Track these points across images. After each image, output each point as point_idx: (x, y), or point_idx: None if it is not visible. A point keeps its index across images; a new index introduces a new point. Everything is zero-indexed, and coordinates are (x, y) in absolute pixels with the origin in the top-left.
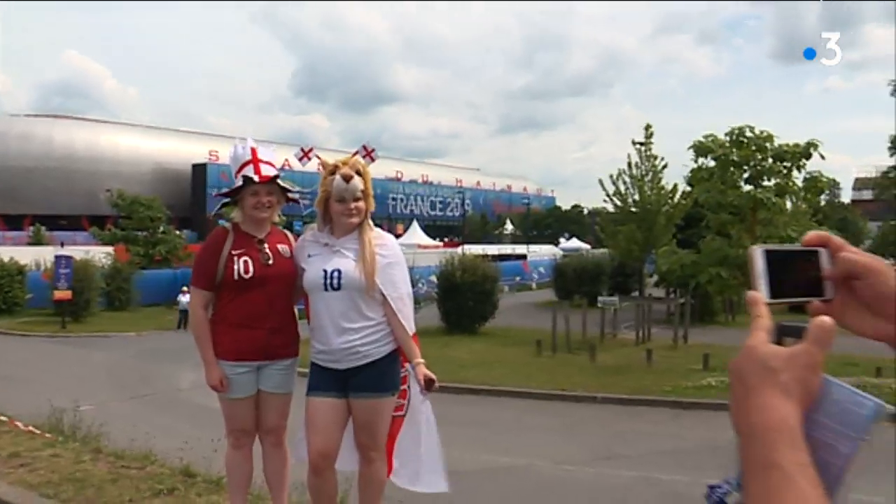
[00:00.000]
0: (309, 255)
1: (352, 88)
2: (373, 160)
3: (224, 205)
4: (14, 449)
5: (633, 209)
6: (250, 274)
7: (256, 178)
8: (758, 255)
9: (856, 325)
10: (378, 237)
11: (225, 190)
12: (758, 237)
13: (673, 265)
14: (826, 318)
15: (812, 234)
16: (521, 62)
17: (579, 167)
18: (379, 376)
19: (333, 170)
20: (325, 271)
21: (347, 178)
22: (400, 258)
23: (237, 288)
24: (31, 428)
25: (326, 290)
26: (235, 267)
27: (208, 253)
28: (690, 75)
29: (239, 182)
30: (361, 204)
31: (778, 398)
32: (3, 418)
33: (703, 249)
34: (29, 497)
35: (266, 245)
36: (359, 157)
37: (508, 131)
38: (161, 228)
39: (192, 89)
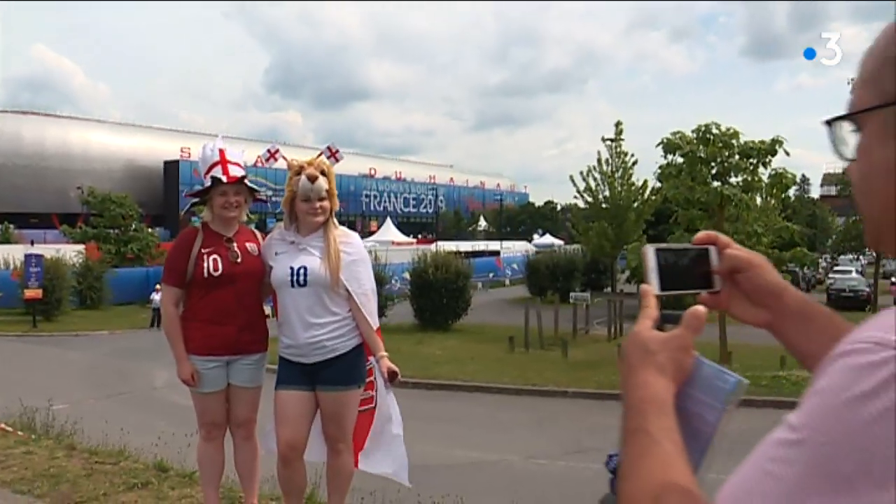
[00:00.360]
0: (276, 253)
1: (325, 85)
2: (337, 160)
3: (194, 204)
4: None
5: (604, 205)
6: (219, 271)
7: (224, 179)
8: (650, 253)
9: (740, 314)
10: (343, 235)
11: (195, 189)
12: (726, 233)
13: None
14: (699, 307)
15: (702, 234)
16: (497, 58)
17: (554, 163)
18: (346, 369)
19: (299, 170)
20: (292, 268)
21: (312, 179)
22: (364, 255)
23: (207, 285)
24: (3, 426)
25: (293, 286)
26: (205, 265)
27: (179, 251)
28: (664, 72)
29: (208, 182)
30: (326, 203)
31: (653, 375)
32: None
33: None
34: (2, 494)
35: (235, 244)
36: (323, 158)
37: (483, 128)
38: (133, 226)
39: (165, 86)
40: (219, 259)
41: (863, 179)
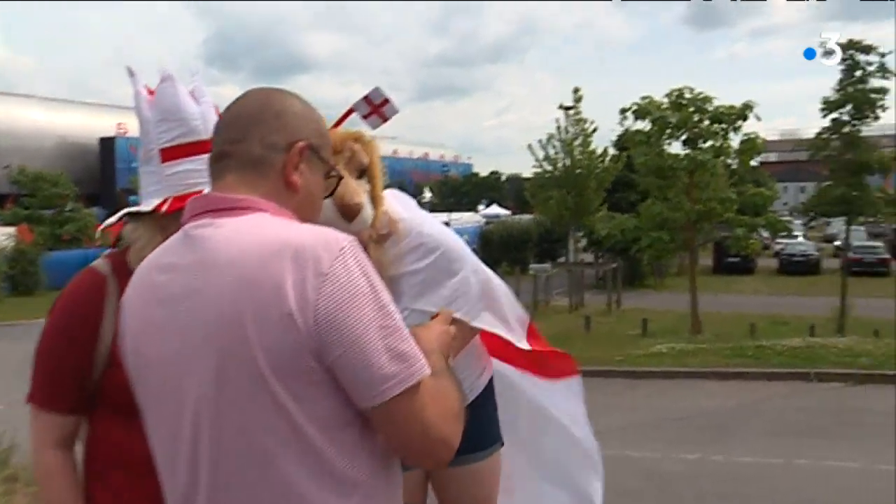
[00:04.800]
0: None
1: (265, 56)
2: (384, 119)
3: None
4: None
5: (564, 174)
6: None
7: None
8: None
9: None
10: (398, 240)
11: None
12: (697, 200)
13: (613, 230)
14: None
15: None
16: (437, 28)
17: (496, 134)
18: (471, 428)
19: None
20: None
21: (349, 211)
22: (441, 243)
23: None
24: None
25: None
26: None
27: (65, 336)
28: (605, 41)
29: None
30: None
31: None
32: None
33: (643, 213)
34: None
35: None
36: (360, 125)
37: (424, 99)
38: (69, 206)
39: (96, 59)
40: None
41: None
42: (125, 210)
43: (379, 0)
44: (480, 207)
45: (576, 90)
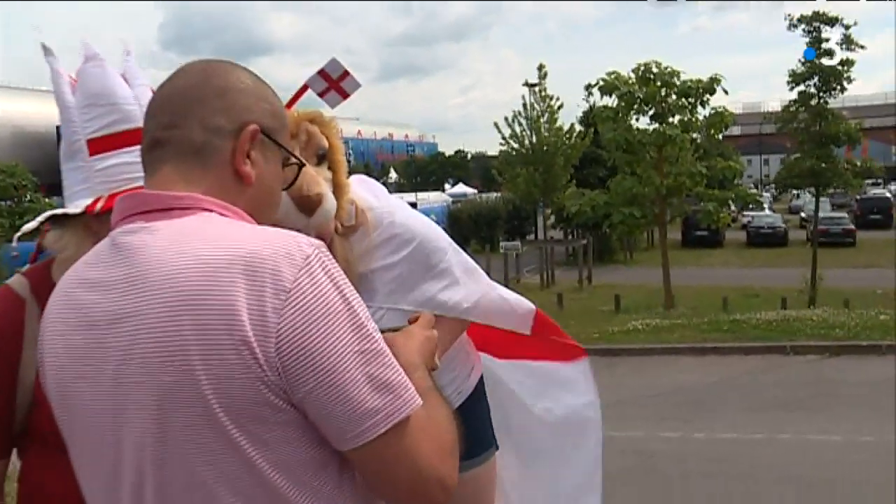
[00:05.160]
0: None
1: (223, 39)
2: (345, 96)
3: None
4: None
5: (531, 151)
6: None
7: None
8: None
9: None
10: (368, 230)
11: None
12: (667, 175)
13: (584, 206)
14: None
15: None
16: (400, 7)
17: (459, 112)
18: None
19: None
20: None
21: (307, 204)
22: (414, 233)
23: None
24: None
25: None
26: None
27: None
28: (568, 17)
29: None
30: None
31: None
32: None
33: (613, 189)
34: None
35: None
36: (320, 105)
37: (388, 78)
38: (28, 197)
39: (50, 45)
40: None
41: None
42: (47, 213)
43: None
44: (447, 186)
45: (540, 67)
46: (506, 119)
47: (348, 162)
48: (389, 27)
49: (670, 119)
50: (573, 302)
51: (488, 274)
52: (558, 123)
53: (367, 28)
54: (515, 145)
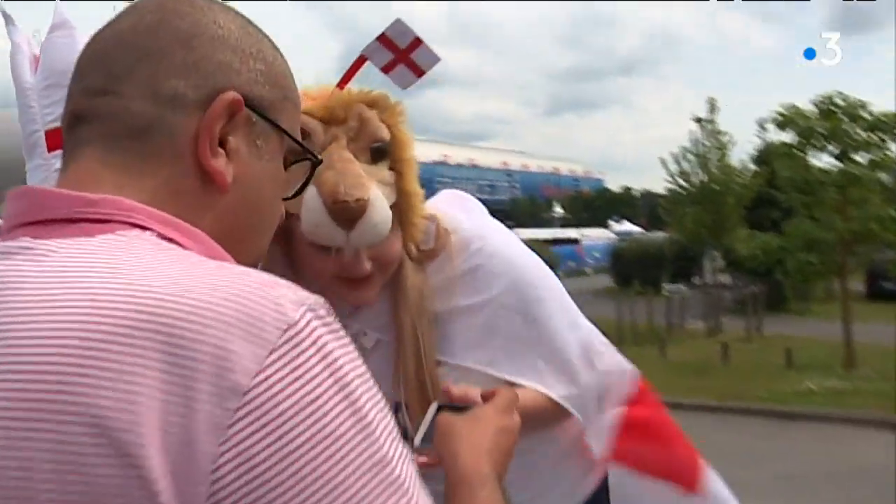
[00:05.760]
0: None
1: None
2: (419, 73)
3: None
4: None
5: (699, 190)
6: None
7: None
8: (432, 406)
9: None
10: (453, 265)
11: None
12: (851, 219)
13: (754, 250)
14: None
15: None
16: (570, 41)
17: (631, 148)
18: None
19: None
20: None
21: (344, 212)
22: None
23: None
24: None
25: None
26: None
27: None
28: (744, 50)
29: None
30: (386, 250)
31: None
32: None
33: (789, 232)
34: None
35: None
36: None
37: (556, 113)
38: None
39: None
40: None
41: None
42: None
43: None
44: (611, 223)
45: (711, 101)
46: (672, 155)
47: (514, 189)
48: (557, 61)
49: (856, 156)
50: (740, 353)
51: (650, 316)
52: (729, 160)
53: (535, 62)
54: (683, 183)
